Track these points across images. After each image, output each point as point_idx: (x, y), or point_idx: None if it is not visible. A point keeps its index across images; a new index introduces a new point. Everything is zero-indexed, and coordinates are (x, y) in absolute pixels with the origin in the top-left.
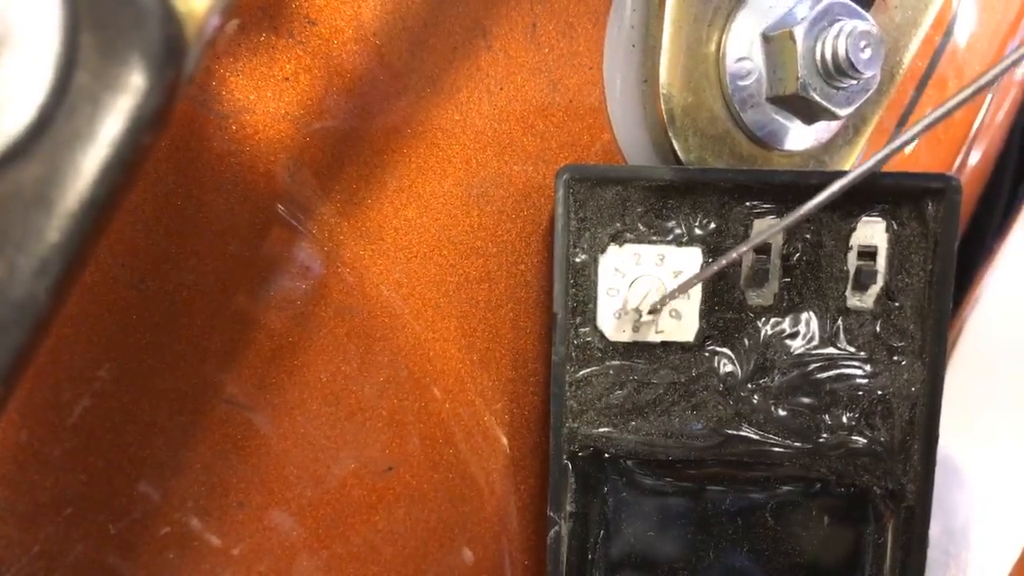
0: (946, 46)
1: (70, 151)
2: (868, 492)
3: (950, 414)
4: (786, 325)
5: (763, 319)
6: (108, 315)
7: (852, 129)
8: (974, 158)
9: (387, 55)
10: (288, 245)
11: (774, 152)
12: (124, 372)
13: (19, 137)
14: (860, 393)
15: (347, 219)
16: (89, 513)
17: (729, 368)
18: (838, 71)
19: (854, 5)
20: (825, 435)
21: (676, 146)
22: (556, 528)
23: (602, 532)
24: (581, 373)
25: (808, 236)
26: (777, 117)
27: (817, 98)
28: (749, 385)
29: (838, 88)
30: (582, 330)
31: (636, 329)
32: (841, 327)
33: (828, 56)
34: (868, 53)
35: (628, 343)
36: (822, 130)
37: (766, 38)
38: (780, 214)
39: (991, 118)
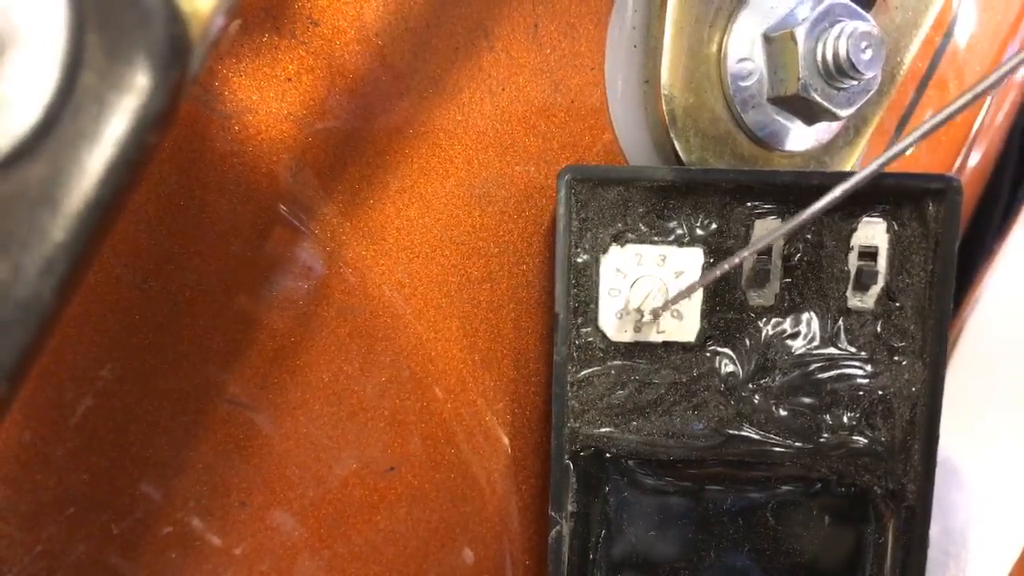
0: (946, 47)
1: (76, 151)
2: (869, 492)
3: (950, 414)
4: (787, 325)
5: (764, 319)
6: (111, 315)
7: (853, 130)
8: (974, 159)
9: (389, 56)
10: (291, 245)
11: (775, 153)
12: (127, 372)
13: (25, 137)
14: (861, 393)
15: (349, 219)
16: (91, 513)
17: (730, 368)
18: (839, 72)
19: (855, 6)
20: (826, 435)
21: (677, 147)
22: (557, 528)
23: (603, 532)
24: (583, 373)
25: (809, 237)
26: (778, 118)
27: (818, 99)
28: (750, 385)
29: (839, 89)
30: (584, 330)
31: (638, 329)
32: (842, 327)
33: (829, 57)
34: (869, 54)
35: (630, 343)
36: (823, 131)
37: (767, 39)
38: (781, 214)
39: (991, 119)
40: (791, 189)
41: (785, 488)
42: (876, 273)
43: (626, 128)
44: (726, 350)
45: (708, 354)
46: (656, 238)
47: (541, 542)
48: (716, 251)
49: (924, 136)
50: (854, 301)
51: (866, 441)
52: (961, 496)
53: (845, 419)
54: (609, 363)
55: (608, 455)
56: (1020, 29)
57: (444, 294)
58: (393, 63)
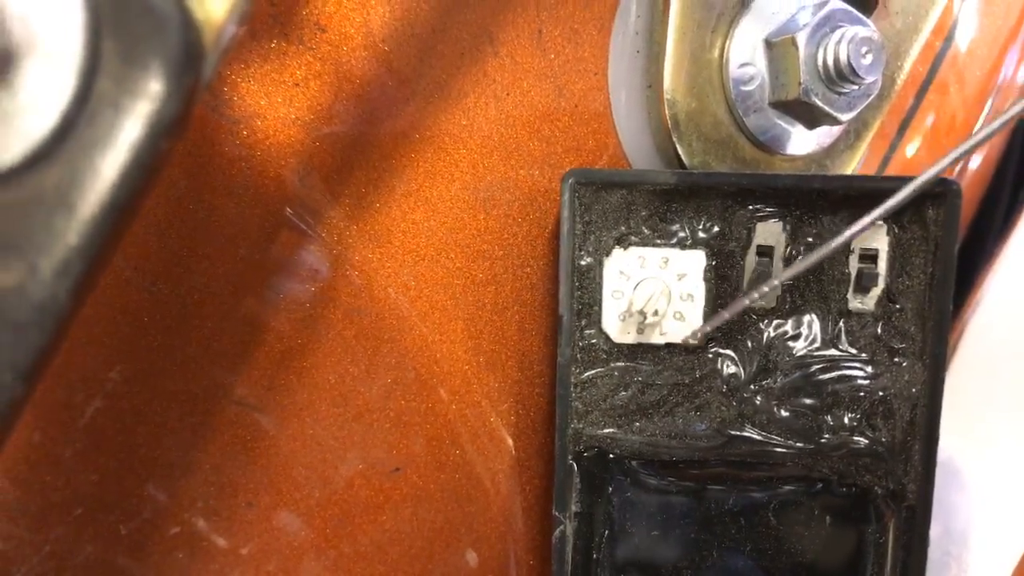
0: (947, 52)
1: (91, 155)
2: (869, 492)
3: (951, 416)
4: (788, 327)
5: (766, 321)
6: (120, 317)
7: (853, 134)
8: (975, 162)
9: (395, 61)
10: (297, 248)
11: (776, 156)
12: (136, 374)
13: (42, 142)
14: (861, 394)
15: (356, 223)
16: (99, 513)
17: (732, 369)
18: (840, 76)
19: (855, 11)
20: (827, 436)
21: (680, 150)
22: (561, 528)
23: (607, 532)
24: (586, 374)
25: (810, 239)
26: (779, 122)
27: (819, 103)
28: (752, 386)
29: (840, 93)
30: (587, 332)
31: (641, 331)
32: (843, 329)
33: (830, 62)
34: (870, 59)
35: (633, 345)
36: (824, 135)
37: (769, 44)
38: (783, 217)
39: (992, 122)
40: (793, 192)
41: (787, 488)
42: (876, 275)
43: (629, 132)
44: (728, 352)
45: (710, 356)
46: (659, 241)
47: (545, 542)
48: (718, 254)
49: (987, 138)
50: (855, 303)
51: (867, 442)
52: (963, 497)
53: (846, 420)
54: (612, 364)
55: (611, 456)
56: (1021, 33)
57: (449, 296)
58: (399, 69)
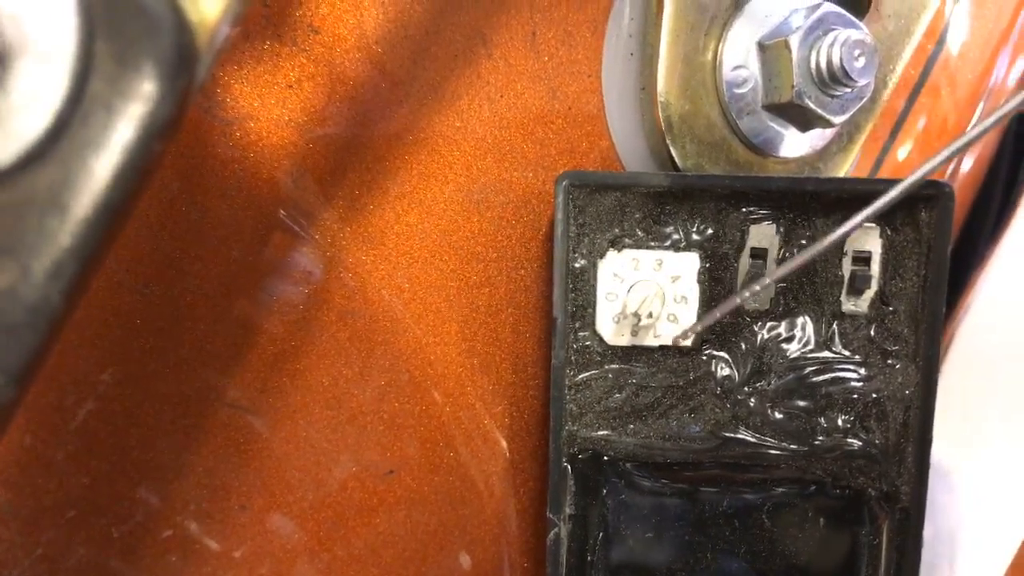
0: (939, 55)
1: (84, 157)
2: (863, 494)
3: (942, 418)
4: (782, 329)
5: (759, 323)
6: (112, 319)
7: (846, 136)
8: (966, 165)
9: (389, 63)
10: (291, 250)
11: (770, 159)
12: (128, 376)
13: (35, 143)
14: (855, 396)
15: (349, 224)
16: (91, 516)
17: (726, 372)
18: (833, 79)
19: (848, 15)
20: (821, 438)
21: (674, 153)
22: (556, 530)
23: (601, 534)
24: (580, 377)
25: (804, 242)
26: (773, 124)
27: (812, 106)
28: (746, 388)
29: (833, 96)
30: (581, 334)
31: (635, 333)
32: (836, 331)
33: (823, 65)
34: (862, 62)
35: (627, 347)
36: (817, 137)
37: (762, 47)
38: (776, 220)
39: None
40: (786, 195)
41: (780, 490)
42: (870, 278)
43: (623, 134)
44: (722, 354)
45: (704, 358)
46: (653, 243)
47: (539, 545)
48: (712, 256)
49: (975, 139)
50: (848, 305)
51: (860, 444)
52: (954, 499)
53: (839, 422)
54: (607, 367)
55: (606, 458)
56: (1012, 37)
57: (443, 299)
58: (392, 70)
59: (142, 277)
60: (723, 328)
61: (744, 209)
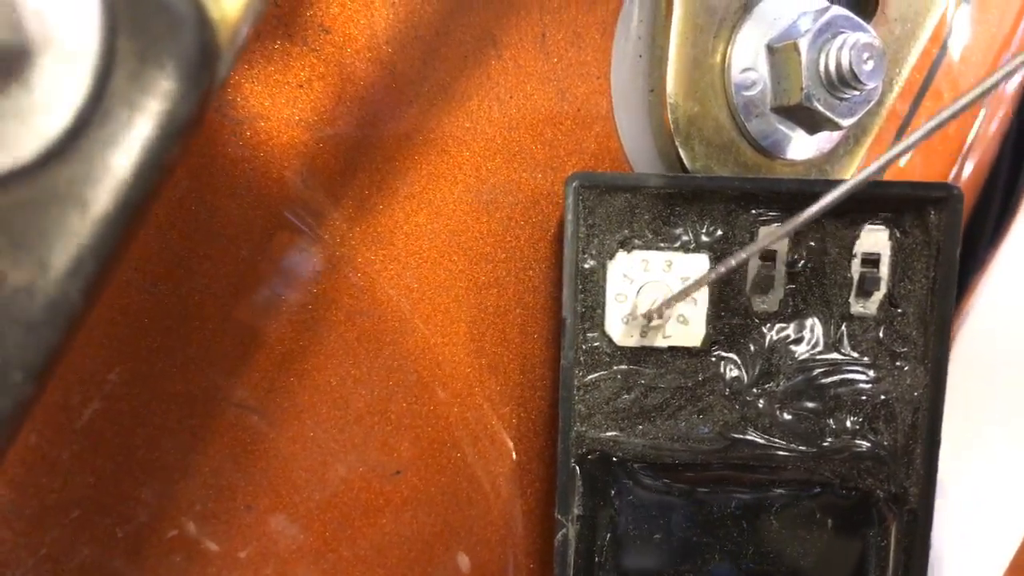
0: (942, 59)
1: (105, 154)
2: (871, 495)
3: (946, 420)
4: (791, 331)
5: (768, 325)
6: (120, 318)
7: (853, 139)
8: (968, 169)
9: (399, 64)
10: (299, 250)
11: (777, 161)
12: (135, 375)
13: (56, 139)
14: (863, 398)
15: (358, 224)
16: (96, 516)
17: (735, 373)
18: (841, 82)
19: (857, 18)
20: (829, 439)
21: (682, 154)
22: (563, 531)
23: (609, 535)
24: (589, 377)
25: (813, 244)
26: (781, 127)
27: (821, 108)
28: (754, 390)
29: (841, 99)
30: (590, 335)
31: (644, 334)
32: (845, 333)
33: (832, 67)
34: (871, 65)
35: (636, 348)
36: (824, 140)
37: (771, 49)
38: (785, 221)
39: (984, 130)
40: (795, 197)
41: (789, 492)
42: (879, 280)
43: (631, 136)
44: (731, 355)
45: (713, 359)
46: (662, 244)
47: (545, 546)
48: (722, 257)
49: (920, 141)
50: (857, 307)
51: (869, 445)
52: (952, 500)
53: (848, 423)
54: (615, 367)
55: (614, 459)
56: (1014, 42)
57: (452, 299)
58: (402, 71)
59: (150, 276)
60: (732, 329)
61: (754, 211)
